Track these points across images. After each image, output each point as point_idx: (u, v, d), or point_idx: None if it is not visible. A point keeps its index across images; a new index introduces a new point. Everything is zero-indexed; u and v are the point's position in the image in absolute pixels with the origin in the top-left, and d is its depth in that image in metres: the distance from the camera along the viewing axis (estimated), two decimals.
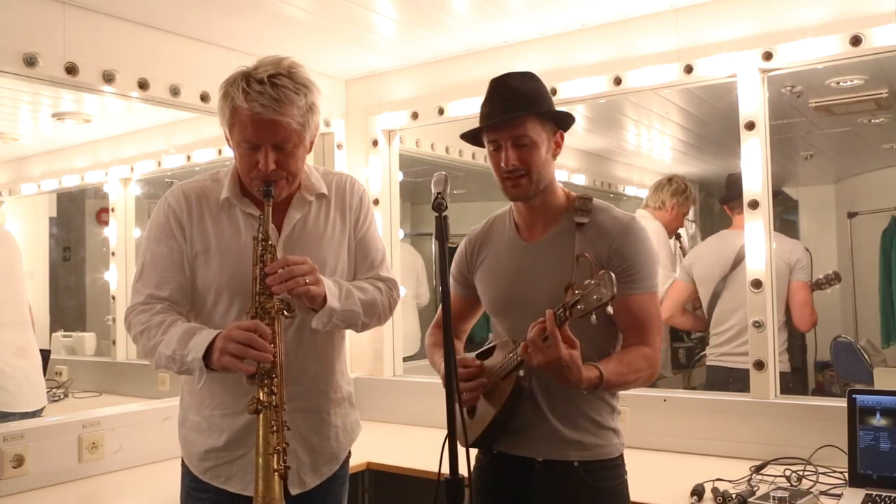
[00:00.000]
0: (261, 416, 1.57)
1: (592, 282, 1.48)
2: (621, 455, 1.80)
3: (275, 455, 1.55)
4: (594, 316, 1.50)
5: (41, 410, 3.11)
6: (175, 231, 1.78)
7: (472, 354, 1.89)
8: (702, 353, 3.57)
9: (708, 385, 3.33)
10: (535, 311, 1.59)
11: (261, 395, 1.58)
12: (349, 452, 1.95)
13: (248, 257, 1.71)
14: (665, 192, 3.58)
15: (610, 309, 1.48)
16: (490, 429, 1.76)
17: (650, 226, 3.50)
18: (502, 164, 1.74)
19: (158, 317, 1.72)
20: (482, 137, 1.80)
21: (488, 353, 1.85)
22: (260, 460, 1.56)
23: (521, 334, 1.62)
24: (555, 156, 1.80)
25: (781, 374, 2.82)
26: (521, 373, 1.69)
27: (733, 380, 3.02)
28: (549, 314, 1.53)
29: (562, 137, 1.81)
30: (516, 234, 1.86)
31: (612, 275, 1.47)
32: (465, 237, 1.99)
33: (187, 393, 1.85)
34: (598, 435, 1.76)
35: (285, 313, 1.66)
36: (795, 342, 3.28)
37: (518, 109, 1.72)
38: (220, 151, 3.51)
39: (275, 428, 1.57)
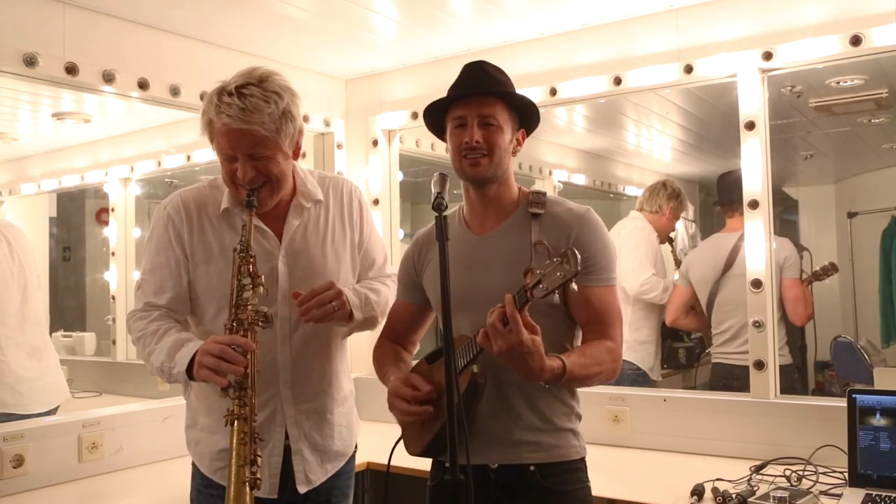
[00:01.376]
0: (234, 426, 1.60)
1: (555, 259, 1.43)
2: (582, 459, 1.74)
3: (246, 466, 1.58)
4: (557, 296, 1.44)
5: (57, 408, 3.09)
6: (173, 241, 1.80)
7: (418, 360, 1.82)
8: (707, 351, 3.59)
9: (713, 381, 3.36)
10: (491, 302, 1.51)
11: (234, 406, 1.61)
12: (356, 447, 1.99)
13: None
14: (661, 196, 3.60)
15: (574, 286, 1.42)
16: (443, 432, 1.49)
17: (639, 226, 3.55)
18: (465, 140, 1.68)
19: (154, 325, 1.76)
20: (445, 121, 1.75)
21: (439, 353, 1.73)
22: (232, 471, 1.58)
23: (478, 329, 1.55)
24: (514, 152, 1.77)
25: (784, 367, 2.83)
26: (476, 368, 1.60)
27: (737, 377, 3.04)
28: (509, 297, 1.46)
29: (523, 137, 1.79)
30: (467, 229, 1.80)
31: (576, 250, 1.41)
32: (413, 238, 1.94)
33: (194, 397, 1.87)
34: (554, 436, 1.70)
35: (260, 324, 1.68)
36: (795, 338, 3.28)
37: (491, 88, 1.71)
38: None
39: (245, 440, 1.60)
